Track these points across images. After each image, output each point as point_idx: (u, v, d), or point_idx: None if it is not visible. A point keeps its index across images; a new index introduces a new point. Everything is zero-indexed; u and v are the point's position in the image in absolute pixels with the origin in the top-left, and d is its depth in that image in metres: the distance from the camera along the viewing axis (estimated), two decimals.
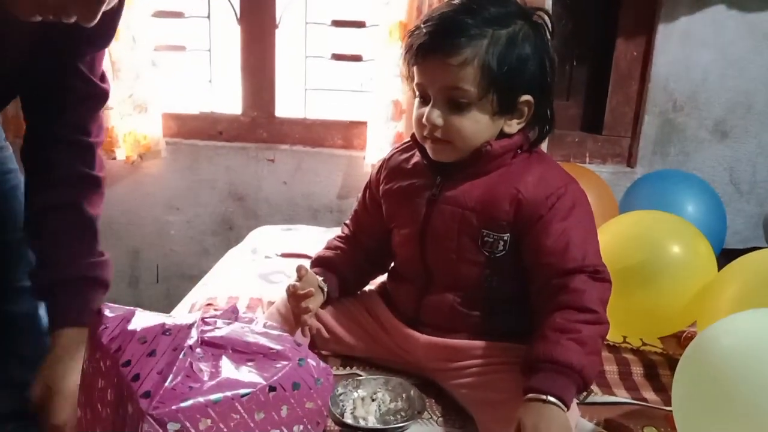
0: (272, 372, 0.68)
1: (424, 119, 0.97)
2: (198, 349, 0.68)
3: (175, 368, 0.64)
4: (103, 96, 1.01)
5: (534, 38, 0.97)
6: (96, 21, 0.75)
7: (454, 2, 0.98)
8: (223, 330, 0.73)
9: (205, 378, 0.64)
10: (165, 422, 0.61)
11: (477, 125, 0.97)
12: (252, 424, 0.66)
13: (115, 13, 0.83)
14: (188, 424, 0.62)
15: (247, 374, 0.67)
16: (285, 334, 0.77)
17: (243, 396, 0.65)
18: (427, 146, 1.02)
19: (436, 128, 0.97)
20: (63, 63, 0.93)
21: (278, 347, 0.71)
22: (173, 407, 0.62)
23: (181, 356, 0.65)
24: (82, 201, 0.99)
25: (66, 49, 0.91)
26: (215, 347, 0.70)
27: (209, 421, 0.63)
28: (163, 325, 0.71)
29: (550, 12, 1.02)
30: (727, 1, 1.86)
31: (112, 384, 0.67)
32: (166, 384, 0.62)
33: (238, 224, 2.10)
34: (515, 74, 0.95)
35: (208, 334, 0.71)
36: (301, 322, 1.05)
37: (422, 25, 0.97)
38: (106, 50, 1.87)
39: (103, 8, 0.75)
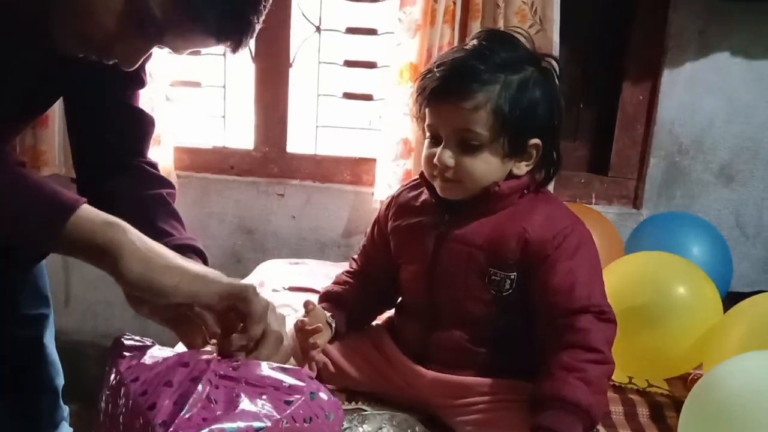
0: (286, 406, 0.69)
1: (435, 159, 0.99)
2: (214, 382, 0.69)
3: (191, 399, 0.65)
4: (152, 122, 1.06)
5: (543, 83, 1.00)
6: (135, 66, 0.79)
7: (466, 47, 1.01)
8: (236, 363, 0.74)
9: (220, 410, 0.65)
10: None
11: (488, 167, 0.99)
12: None
13: (147, 59, 0.87)
14: None
15: (262, 407, 0.68)
16: (296, 367, 0.78)
17: (258, 429, 0.66)
18: (436, 185, 1.04)
19: (447, 169, 0.99)
20: (112, 99, 0.98)
21: (291, 381, 0.72)
22: None
23: (199, 388, 0.66)
24: (165, 197, 1.01)
25: (113, 88, 0.97)
26: (229, 380, 0.71)
27: None
28: (182, 356, 0.72)
29: (558, 56, 1.05)
30: (732, 49, 1.89)
31: (127, 413, 0.67)
32: (182, 414, 0.63)
33: (246, 257, 2.11)
34: (526, 119, 0.98)
35: (223, 367, 0.72)
36: (308, 358, 1.06)
37: (435, 69, 1.00)
38: None
39: (144, 56, 0.79)
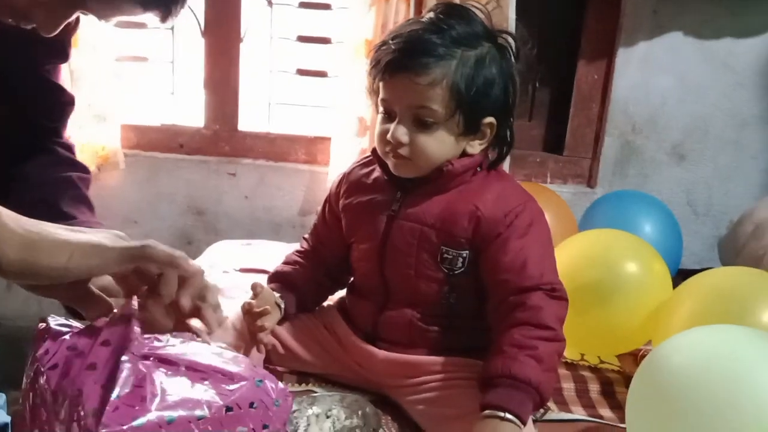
0: (229, 391, 0.66)
1: (389, 136, 0.97)
2: (147, 364, 0.65)
3: (120, 380, 0.61)
4: (71, 101, 0.99)
5: (500, 61, 0.98)
6: (55, 32, 0.74)
7: (422, 20, 0.98)
8: (176, 348, 0.70)
9: (158, 396, 0.62)
10: None
11: (441, 145, 0.97)
12: None
13: (72, 29, 0.82)
14: None
15: (203, 393, 0.65)
16: (241, 355, 0.75)
17: (199, 417, 0.63)
18: (389, 162, 1.01)
19: (400, 145, 0.97)
20: (26, 72, 0.91)
21: (235, 368, 0.69)
22: (124, 426, 0.59)
23: (125, 371, 0.63)
24: (75, 180, 0.97)
25: (27, 58, 0.89)
26: (169, 364, 0.67)
27: None
28: (99, 332, 0.68)
29: (514, 34, 1.04)
30: (684, 29, 1.91)
31: (49, 405, 0.63)
32: (112, 397, 0.59)
33: (197, 239, 2.06)
34: (482, 97, 0.96)
35: (161, 351, 0.69)
36: (257, 340, 1.04)
37: (390, 42, 0.97)
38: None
39: (65, 22, 0.74)
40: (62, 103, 0.98)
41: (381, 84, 0.99)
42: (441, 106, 0.94)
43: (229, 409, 0.65)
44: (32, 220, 0.67)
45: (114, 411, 0.59)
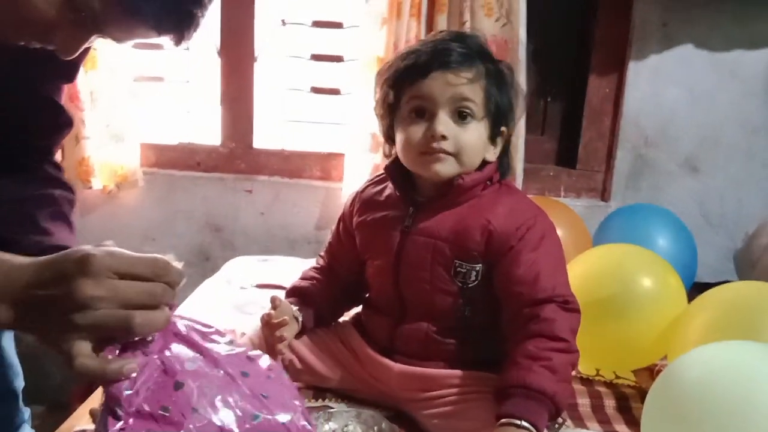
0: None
1: (426, 131, 0.98)
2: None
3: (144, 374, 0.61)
4: (69, 122, 0.99)
5: (511, 78, 1.04)
6: (74, 55, 0.75)
7: (442, 32, 1.04)
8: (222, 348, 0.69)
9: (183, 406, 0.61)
10: None
11: (479, 141, 1.00)
12: None
13: (85, 52, 0.84)
14: None
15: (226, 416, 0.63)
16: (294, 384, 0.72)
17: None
18: (424, 164, 1.00)
19: (443, 139, 0.97)
20: (30, 88, 0.91)
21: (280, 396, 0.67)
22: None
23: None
24: (57, 198, 0.93)
25: (33, 75, 0.90)
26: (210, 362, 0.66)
27: None
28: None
29: (524, 50, 1.07)
30: (694, 41, 1.92)
31: None
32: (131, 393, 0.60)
33: (214, 255, 2.09)
34: (504, 105, 1.01)
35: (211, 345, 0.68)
36: (275, 352, 1.05)
37: (420, 47, 1.00)
38: (85, 83, 1.86)
39: (84, 46, 0.76)
40: (60, 123, 0.97)
41: (414, 86, 0.99)
42: (479, 103, 0.98)
43: None
44: None
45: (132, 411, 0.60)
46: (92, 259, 0.59)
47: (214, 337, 0.71)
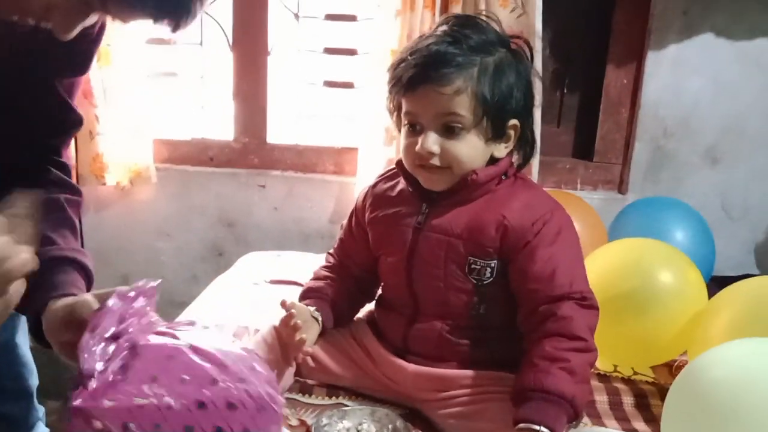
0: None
1: (418, 147, 0.97)
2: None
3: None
4: (79, 121, 0.96)
5: (517, 64, 0.99)
6: (71, 36, 0.73)
7: (437, 33, 0.99)
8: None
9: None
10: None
11: (473, 150, 0.98)
12: None
13: (93, 42, 0.82)
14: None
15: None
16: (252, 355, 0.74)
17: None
18: (421, 175, 1.01)
19: (432, 155, 0.97)
20: (40, 83, 0.89)
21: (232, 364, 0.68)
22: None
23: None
24: (63, 202, 0.91)
25: (43, 69, 0.87)
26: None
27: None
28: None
29: (540, 40, 1.04)
30: (715, 30, 1.88)
31: None
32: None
33: (228, 250, 2.08)
34: (505, 101, 0.97)
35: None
36: (294, 353, 1.01)
37: (409, 57, 0.97)
38: (98, 79, 1.85)
39: (81, 25, 0.73)
40: (68, 120, 0.94)
41: (404, 99, 0.99)
42: (468, 113, 0.95)
43: (201, 404, 0.65)
44: None
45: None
46: None
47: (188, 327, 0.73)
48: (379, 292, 1.15)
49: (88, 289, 0.86)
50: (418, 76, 0.95)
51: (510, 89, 0.97)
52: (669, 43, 1.89)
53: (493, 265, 0.98)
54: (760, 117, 1.93)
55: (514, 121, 1.00)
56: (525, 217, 0.97)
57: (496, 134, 0.99)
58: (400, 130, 1.05)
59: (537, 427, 0.83)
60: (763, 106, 1.93)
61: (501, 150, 1.01)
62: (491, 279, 0.99)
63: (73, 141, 1.03)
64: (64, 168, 0.95)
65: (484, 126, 0.97)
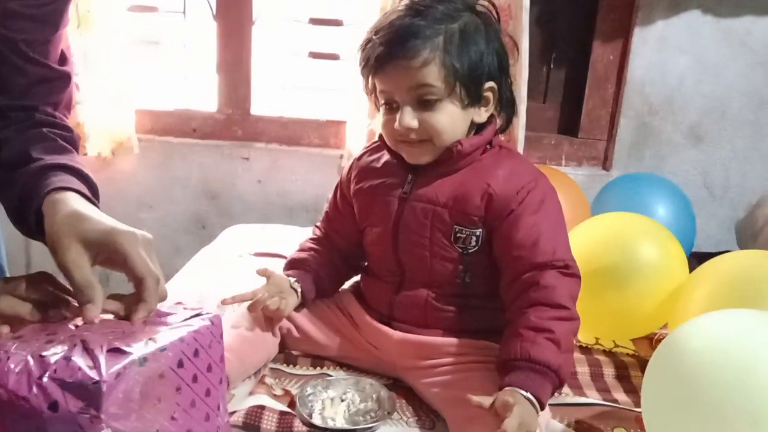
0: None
1: (396, 125, 0.97)
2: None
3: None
4: (64, 77, 0.92)
5: (484, 27, 0.99)
6: None
7: (400, 8, 0.99)
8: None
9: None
10: None
11: (451, 119, 0.98)
12: None
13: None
14: None
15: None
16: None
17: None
18: (403, 151, 1.02)
19: (411, 130, 0.97)
20: (7, 42, 0.84)
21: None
22: None
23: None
24: (56, 137, 0.89)
25: (7, 27, 0.83)
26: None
27: None
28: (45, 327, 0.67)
29: (527, 16, 1.03)
30: (702, 7, 1.87)
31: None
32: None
33: (211, 223, 2.07)
34: (477, 65, 0.97)
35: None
36: (272, 324, 1.05)
37: (374, 37, 0.97)
38: (78, 45, 1.79)
39: None
40: (51, 80, 0.89)
41: (376, 78, 0.99)
42: (440, 82, 0.95)
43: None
44: None
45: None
46: None
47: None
48: (366, 263, 1.14)
49: (93, 196, 0.83)
50: (385, 54, 0.96)
51: (479, 53, 0.97)
52: (656, 19, 1.89)
53: (478, 233, 0.99)
54: (743, 97, 1.94)
55: (490, 84, 0.99)
56: (509, 185, 0.98)
57: (473, 100, 0.99)
58: (378, 110, 1.05)
59: (523, 392, 0.84)
60: (747, 86, 1.94)
61: (481, 115, 1.01)
62: (476, 248, 0.99)
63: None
64: (56, 126, 0.91)
65: (458, 93, 0.97)
